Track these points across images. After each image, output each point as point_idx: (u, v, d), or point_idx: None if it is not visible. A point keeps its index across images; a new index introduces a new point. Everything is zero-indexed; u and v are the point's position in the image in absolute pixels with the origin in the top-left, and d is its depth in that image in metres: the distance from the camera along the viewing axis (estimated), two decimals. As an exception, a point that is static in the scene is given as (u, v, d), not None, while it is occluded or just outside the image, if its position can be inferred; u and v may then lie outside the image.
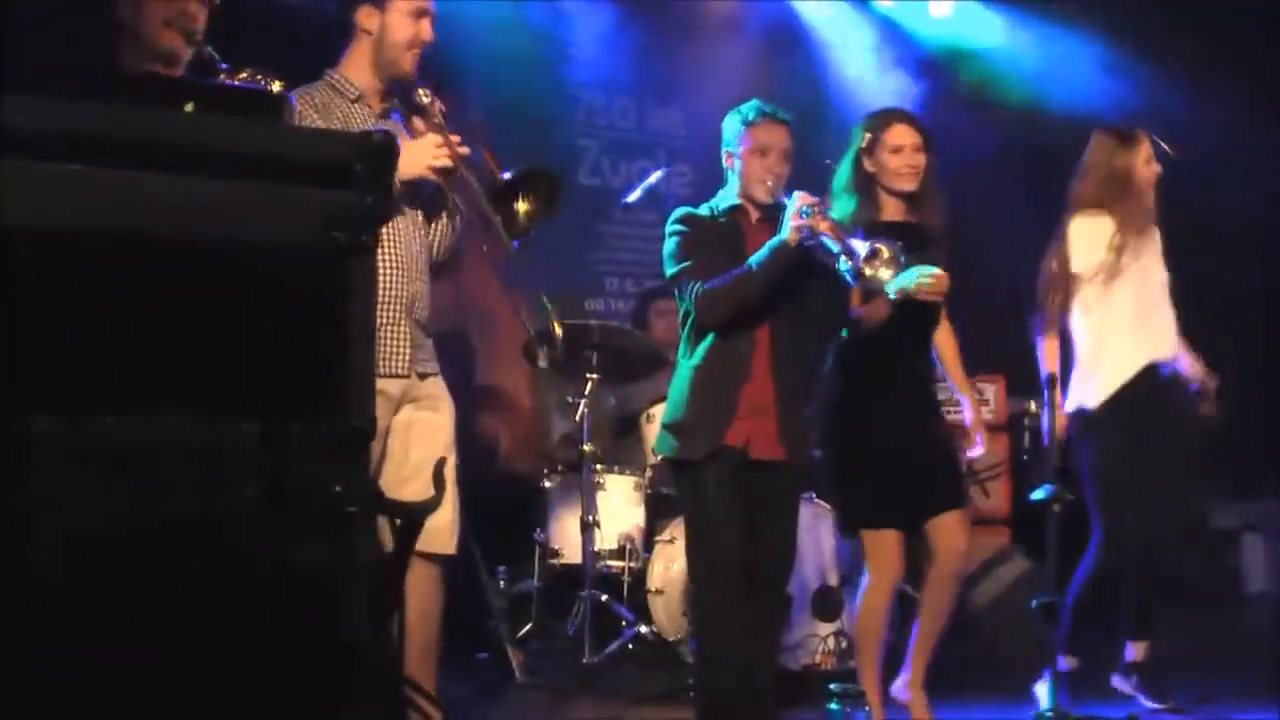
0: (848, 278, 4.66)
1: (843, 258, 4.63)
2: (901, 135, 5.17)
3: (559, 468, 6.99)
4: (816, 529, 6.37)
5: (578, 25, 8.31)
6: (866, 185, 5.19)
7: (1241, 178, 7.89)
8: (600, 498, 6.65)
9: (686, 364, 4.91)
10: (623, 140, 8.63)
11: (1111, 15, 8.42)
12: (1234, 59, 8.04)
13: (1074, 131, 6.24)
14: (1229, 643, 6.97)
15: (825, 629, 6.25)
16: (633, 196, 6.76)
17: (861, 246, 4.62)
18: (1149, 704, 5.73)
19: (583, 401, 6.68)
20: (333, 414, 2.28)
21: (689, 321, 4.90)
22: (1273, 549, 9.12)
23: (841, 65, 9.08)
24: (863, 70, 8.99)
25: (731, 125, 4.93)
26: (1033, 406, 6.25)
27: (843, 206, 5.14)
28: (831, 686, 4.29)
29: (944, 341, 5.42)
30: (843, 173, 5.23)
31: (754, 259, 4.73)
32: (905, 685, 5.23)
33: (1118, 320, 5.74)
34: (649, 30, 8.46)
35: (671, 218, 4.95)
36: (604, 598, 6.49)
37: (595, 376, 6.68)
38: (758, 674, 4.83)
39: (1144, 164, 5.84)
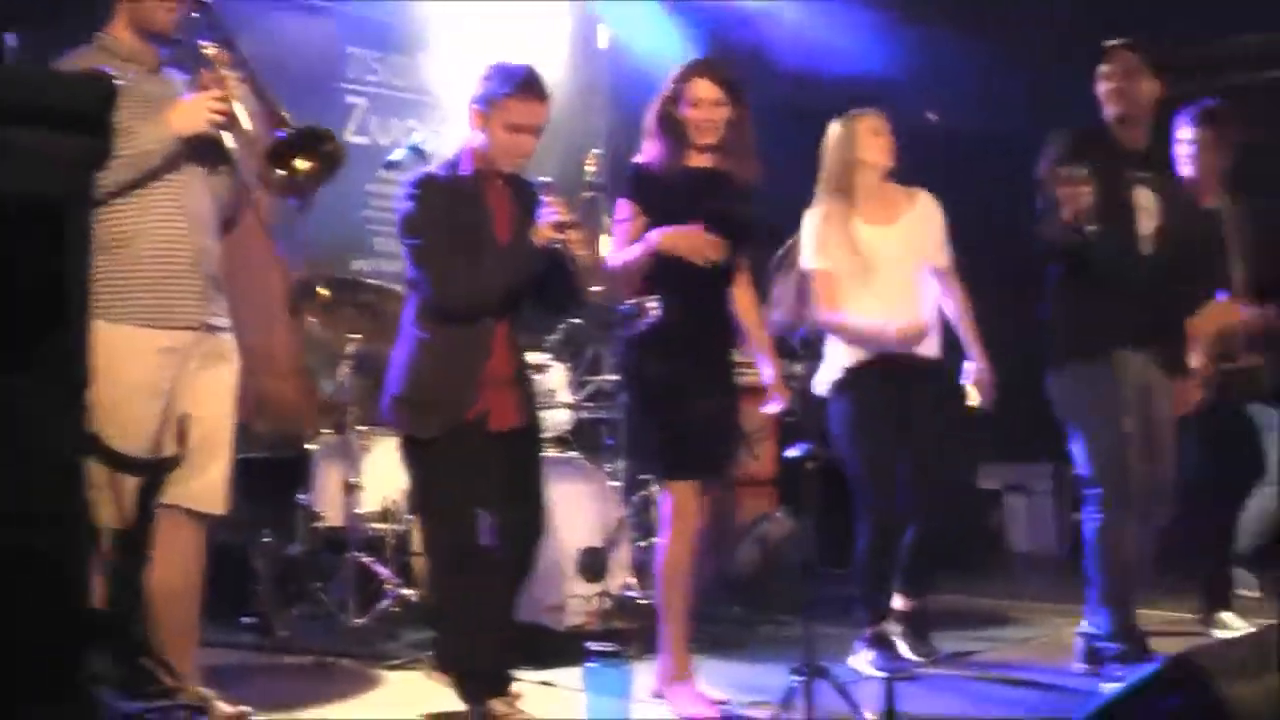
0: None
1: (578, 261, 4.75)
2: (700, 89, 5.20)
3: (323, 430, 6.90)
4: (583, 490, 6.39)
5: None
6: (675, 131, 5.21)
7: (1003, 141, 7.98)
8: (365, 460, 6.56)
9: (419, 335, 4.86)
10: (392, 98, 8.52)
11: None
12: (1000, 18, 8.18)
13: (846, 95, 6.31)
14: (994, 600, 7.15)
15: (590, 590, 6.26)
16: (396, 155, 6.66)
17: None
18: (911, 656, 5.86)
19: (347, 362, 6.58)
20: (50, 365, 2.18)
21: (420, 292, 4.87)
22: (1035, 510, 9.40)
23: (618, 25, 9.09)
24: (635, 32, 8.98)
25: (490, 86, 4.84)
26: (798, 369, 6.34)
27: (654, 149, 5.22)
28: (588, 645, 4.27)
29: (744, 301, 5.46)
30: (651, 117, 5.26)
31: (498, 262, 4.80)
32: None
33: (867, 295, 5.82)
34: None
35: (410, 182, 4.90)
36: (367, 560, 6.41)
37: (360, 337, 6.58)
38: (499, 636, 4.83)
39: (869, 146, 5.91)
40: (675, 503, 5.17)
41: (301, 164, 4.39)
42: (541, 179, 4.94)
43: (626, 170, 5.34)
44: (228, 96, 4.33)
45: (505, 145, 4.84)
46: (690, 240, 5.06)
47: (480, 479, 4.76)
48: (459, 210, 4.82)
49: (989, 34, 8.22)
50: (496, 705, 4.74)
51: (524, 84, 4.81)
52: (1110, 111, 5.61)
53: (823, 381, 5.91)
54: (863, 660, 5.77)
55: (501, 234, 4.89)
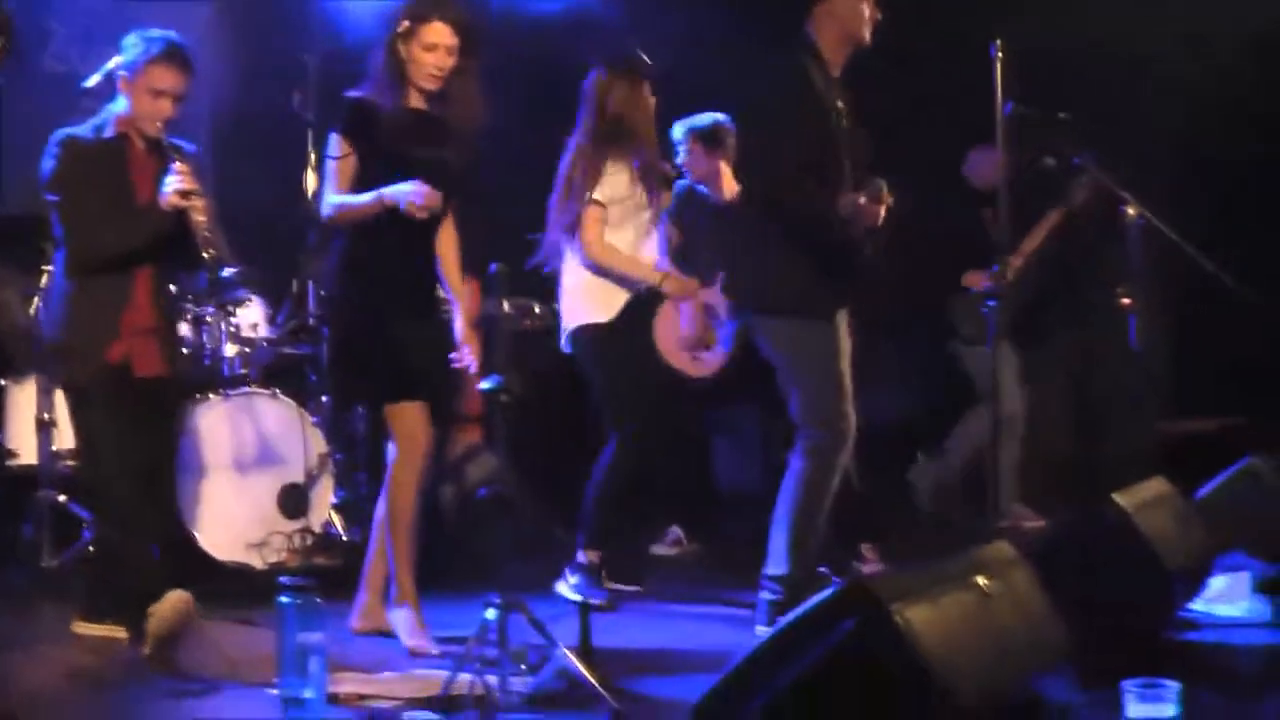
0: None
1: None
2: (438, 34, 5.14)
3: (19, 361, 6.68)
4: (285, 426, 6.35)
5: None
6: (401, 70, 5.15)
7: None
8: (60, 396, 6.38)
9: (65, 286, 5.22)
10: (95, 26, 8.23)
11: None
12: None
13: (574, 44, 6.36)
14: (706, 541, 7.29)
15: (291, 526, 6.24)
16: (91, 81, 6.46)
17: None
18: (616, 585, 6.03)
19: (40, 295, 6.40)
20: None
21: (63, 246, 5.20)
22: (739, 450, 9.59)
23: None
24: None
25: (134, 50, 5.16)
26: (506, 306, 6.38)
27: (375, 88, 5.16)
28: (282, 580, 4.25)
29: (446, 243, 5.45)
30: (379, 55, 5.17)
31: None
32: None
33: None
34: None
35: (52, 140, 5.19)
36: (62, 499, 6.25)
37: (51, 269, 6.39)
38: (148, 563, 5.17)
39: (641, 100, 6.03)
40: (402, 426, 5.18)
41: None
42: (186, 144, 5.26)
43: (342, 103, 5.23)
44: None
45: (147, 109, 5.15)
46: (413, 197, 5.01)
47: (124, 421, 5.15)
48: (99, 170, 5.15)
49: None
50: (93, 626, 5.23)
51: (165, 52, 5.13)
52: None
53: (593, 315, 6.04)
54: (567, 586, 5.91)
55: (142, 194, 5.17)
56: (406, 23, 5.14)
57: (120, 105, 5.21)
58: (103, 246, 5.12)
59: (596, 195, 5.97)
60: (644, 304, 6.14)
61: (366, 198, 5.08)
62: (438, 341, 5.35)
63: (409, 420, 5.18)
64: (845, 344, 5.49)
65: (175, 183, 5.00)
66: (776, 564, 5.39)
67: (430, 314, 5.43)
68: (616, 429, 6.01)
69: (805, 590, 5.34)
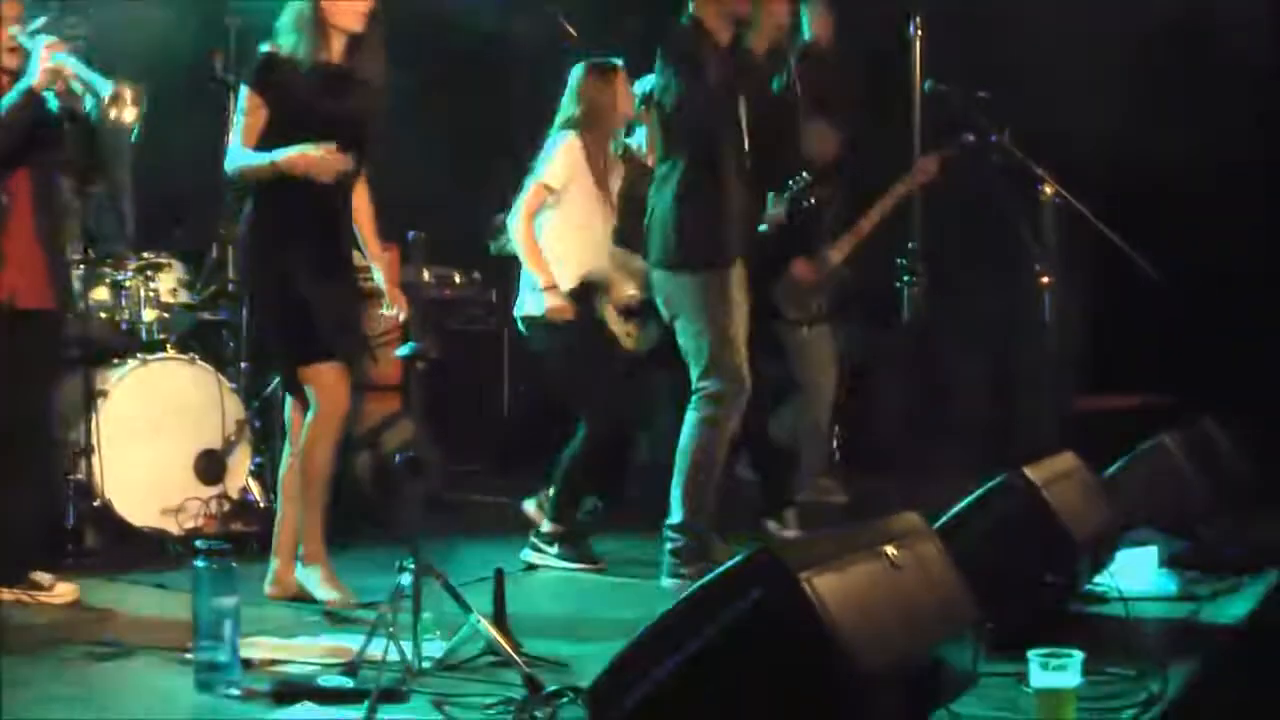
0: (91, 114, 4.95)
1: (87, 97, 4.87)
2: None
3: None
4: (202, 392, 6.32)
5: None
6: (317, 17, 5.10)
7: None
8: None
9: None
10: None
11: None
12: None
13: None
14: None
15: (208, 492, 6.22)
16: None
17: (105, 86, 4.85)
18: (572, 565, 6.09)
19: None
20: None
21: None
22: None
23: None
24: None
25: None
26: (426, 275, 6.39)
27: (290, 41, 5.11)
28: (197, 544, 4.24)
29: (361, 208, 5.44)
30: (294, 8, 5.13)
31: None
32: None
33: (570, 230, 6.15)
34: None
35: None
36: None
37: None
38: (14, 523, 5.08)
39: (622, 98, 6.20)
40: (320, 386, 5.15)
41: None
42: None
43: (255, 58, 5.20)
44: None
45: None
46: (314, 162, 5.03)
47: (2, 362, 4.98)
48: None
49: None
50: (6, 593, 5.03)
51: None
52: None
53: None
54: (546, 555, 6.11)
55: None
56: None
57: None
58: None
59: (547, 179, 6.10)
60: (592, 288, 6.20)
61: (262, 159, 5.05)
62: (351, 304, 5.34)
63: (326, 380, 5.16)
64: (741, 297, 5.64)
65: (44, 57, 4.85)
66: (674, 513, 5.60)
67: (343, 277, 5.35)
68: (579, 414, 6.13)
69: (704, 539, 5.52)
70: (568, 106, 6.22)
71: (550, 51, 7.90)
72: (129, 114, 4.91)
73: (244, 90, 5.17)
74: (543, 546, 6.11)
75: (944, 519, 4.37)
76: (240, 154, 5.13)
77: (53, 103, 4.93)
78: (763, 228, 6.34)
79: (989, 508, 4.49)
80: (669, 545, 5.58)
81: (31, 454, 5.26)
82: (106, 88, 4.87)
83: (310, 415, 5.19)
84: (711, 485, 5.62)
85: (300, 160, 5.01)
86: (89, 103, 4.89)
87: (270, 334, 5.30)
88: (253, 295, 5.40)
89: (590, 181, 6.15)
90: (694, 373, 5.63)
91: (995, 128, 6.50)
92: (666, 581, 5.57)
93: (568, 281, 6.12)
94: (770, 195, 6.35)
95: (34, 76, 4.86)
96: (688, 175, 5.62)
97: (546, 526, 6.13)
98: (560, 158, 6.10)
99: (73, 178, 5.55)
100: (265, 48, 5.17)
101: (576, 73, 6.25)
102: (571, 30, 7.66)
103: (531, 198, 6.10)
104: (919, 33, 5.94)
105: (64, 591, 5.17)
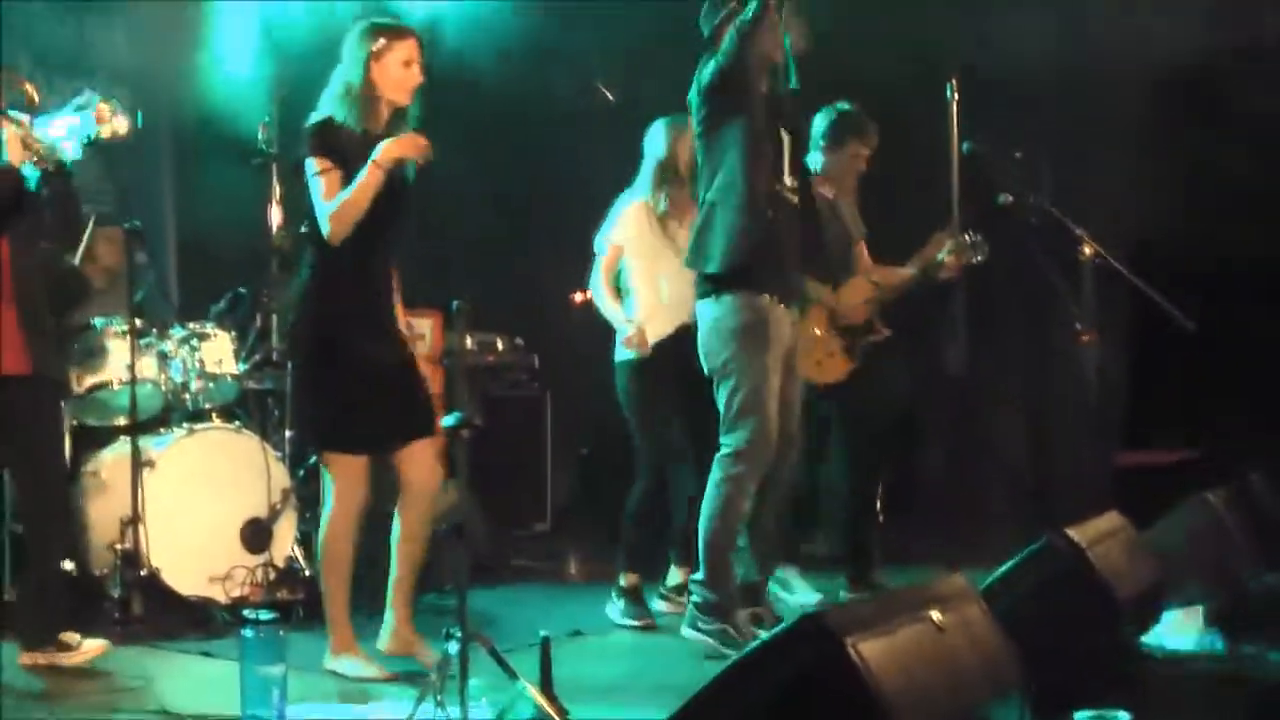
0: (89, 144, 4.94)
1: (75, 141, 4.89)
2: (412, 50, 5.18)
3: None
4: (248, 460, 6.36)
5: None
6: (369, 90, 5.14)
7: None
8: None
9: None
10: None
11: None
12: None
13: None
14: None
15: (254, 560, 6.25)
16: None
17: (89, 123, 4.88)
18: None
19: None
20: None
21: None
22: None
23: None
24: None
25: None
26: (469, 342, 6.45)
27: (340, 110, 5.13)
28: (245, 613, 4.28)
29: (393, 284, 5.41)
30: (351, 76, 5.14)
31: None
32: (392, 634, 5.29)
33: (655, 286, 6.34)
34: None
35: None
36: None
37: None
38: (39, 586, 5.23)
39: (686, 148, 6.17)
40: (338, 478, 5.17)
41: None
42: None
43: (310, 129, 5.15)
44: None
45: None
46: (407, 145, 5.07)
47: None
48: None
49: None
50: (37, 656, 5.11)
51: None
52: None
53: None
54: (617, 610, 6.28)
55: None
56: (382, 40, 5.13)
57: None
58: None
59: (614, 238, 6.37)
60: (680, 341, 6.17)
61: (362, 174, 5.01)
62: (400, 363, 5.25)
63: (345, 473, 5.18)
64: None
65: (9, 136, 4.90)
66: (699, 569, 5.63)
67: (395, 342, 5.28)
68: (642, 460, 6.35)
69: (726, 597, 5.56)
70: (655, 160, 6.38)
71: (588, 115, 7.99)
72: (121, 125, 4.93)
73: (310, 161, 5.10)
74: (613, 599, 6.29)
75: (988, 581, 4.38)
76: (332, 203, 5.05)
77: (31, 173, 4.95)
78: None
79: (1033, 569, 4.49)
80: (694, 598, 5.62)
81: (46, 519, 5.26)
82: (90, 124, 4.89)
83: (325, 508, 5.22)
84: (732, 546, 5.60)
85: (395, 147, 5.03)
86: (82, 139, 4.90)
87: (310, 405, 5.31)
88: (296, 367, 5.40)
89: (663, 233, 6.33)
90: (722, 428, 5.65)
91: (1033, 188, 6.51)
92: (686, 631, 5.63)
93: (659, 330, 6.28)
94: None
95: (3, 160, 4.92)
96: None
97: (622, 580, 6.29)
98: (628, 218, 6.35)
99: (51, 241, 5.54)
100: (316, 116, 5.17)
101: (661, 128, 6.38)
102: (609, 95, 7.75)
103: (602, 263, 6.38)
104: (955, 95, 5.95)
105: (90, 649, 5.20)
